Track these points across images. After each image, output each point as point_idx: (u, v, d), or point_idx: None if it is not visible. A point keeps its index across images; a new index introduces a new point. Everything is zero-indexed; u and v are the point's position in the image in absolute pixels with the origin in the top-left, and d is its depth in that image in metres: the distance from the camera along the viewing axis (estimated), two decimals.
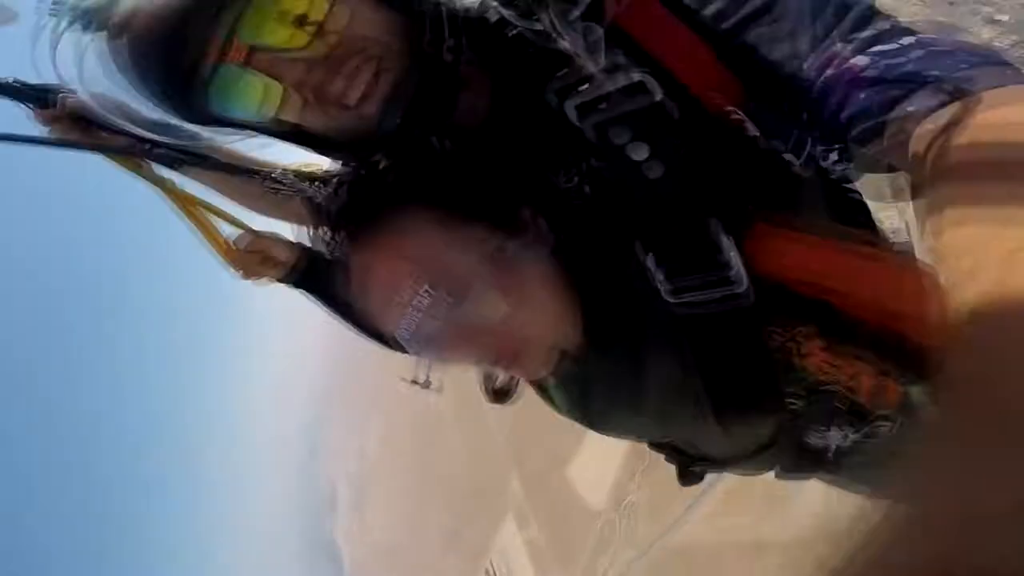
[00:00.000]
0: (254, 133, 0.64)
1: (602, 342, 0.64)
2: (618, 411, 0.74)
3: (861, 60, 0.48)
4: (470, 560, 5.72)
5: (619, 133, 0.55)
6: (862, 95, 0.48)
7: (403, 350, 0.63)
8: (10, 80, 0.79)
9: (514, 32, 0.58)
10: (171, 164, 0.84)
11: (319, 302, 0.90)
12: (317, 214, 0.69)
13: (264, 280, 0.96)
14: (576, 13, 0.54)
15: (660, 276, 0.57)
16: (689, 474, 0.85)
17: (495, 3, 0.58)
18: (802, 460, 0.73)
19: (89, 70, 0.60)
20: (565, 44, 0.53)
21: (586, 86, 0.55)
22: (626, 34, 0.55)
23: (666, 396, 0.67)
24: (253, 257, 0.93)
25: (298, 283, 0.94)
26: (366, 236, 0.60)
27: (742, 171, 0.57)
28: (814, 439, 0.69)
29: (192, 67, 0.53)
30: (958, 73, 0.44)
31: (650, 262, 0.57)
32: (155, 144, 0.79)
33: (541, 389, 0.77)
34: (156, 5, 0.53)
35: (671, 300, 0.58)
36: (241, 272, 0.94)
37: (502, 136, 0.62)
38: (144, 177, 0.88)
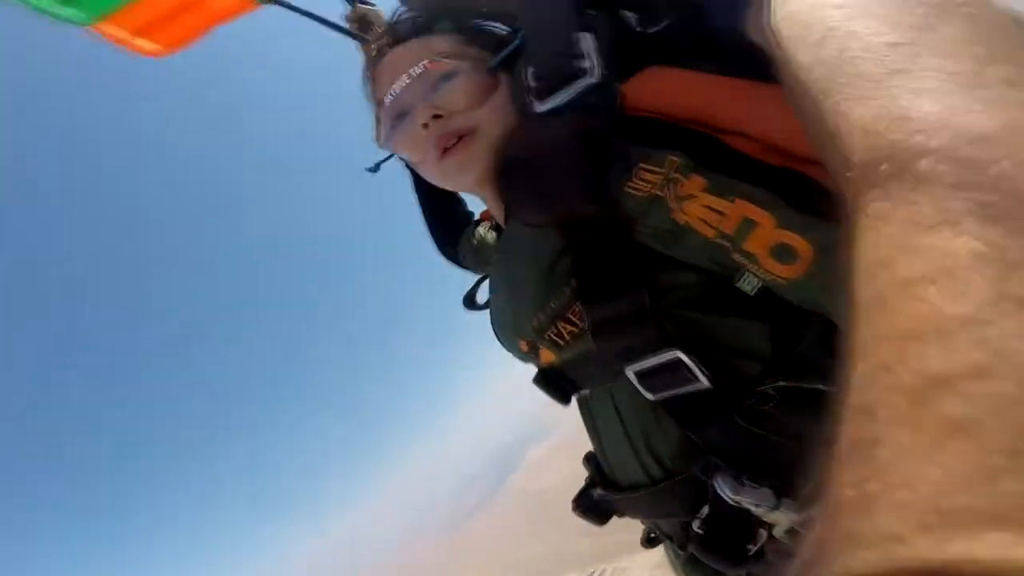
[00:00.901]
0: None
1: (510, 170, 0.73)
2: (496, 273, 0.85)
3: None
4: None
5: None
6: None
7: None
8: None
9: None
10: None
11: None
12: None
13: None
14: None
15: (531, 80, 0.66)
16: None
17: None
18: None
19: None
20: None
21: None
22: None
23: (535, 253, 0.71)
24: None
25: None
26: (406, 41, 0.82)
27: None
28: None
29: None
30: None
31: (528, 73, 0.66)
32: None
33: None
34: None
35: (538, 107, 0.64)
36: (376, 135, 1.09)
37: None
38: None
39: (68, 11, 1.55)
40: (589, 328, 0.65)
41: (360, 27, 1.35)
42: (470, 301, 0.96)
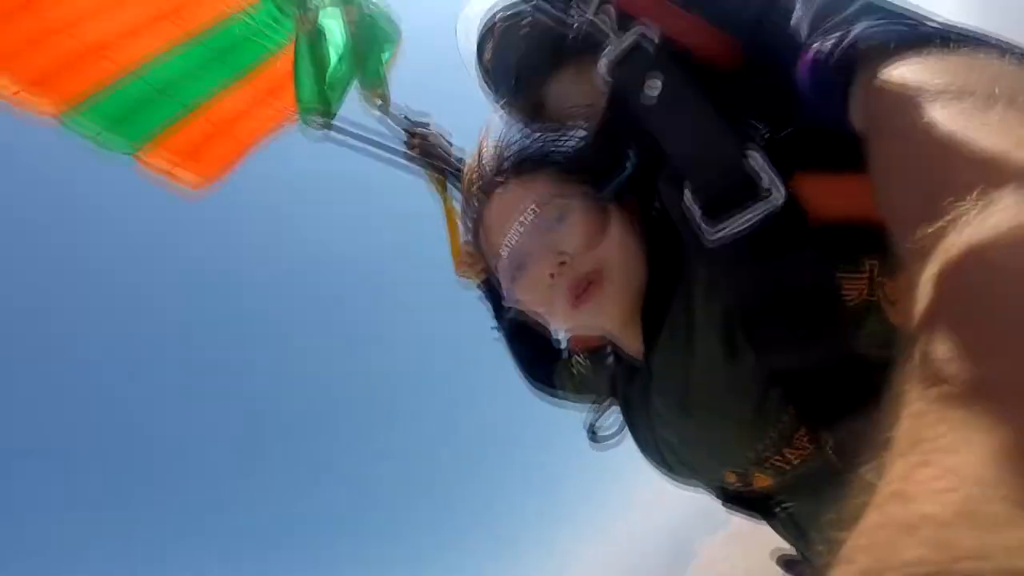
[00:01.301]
0: None
1: (655, 319, 0.73)
2: (671, 412, 0.76)
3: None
4: None
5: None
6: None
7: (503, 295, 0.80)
8: (403, 115, 1.35)
9: None
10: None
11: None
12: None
13: (469, 279, 1.19)
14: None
15: (697, 208, 0.61)
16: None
17: None
18: None
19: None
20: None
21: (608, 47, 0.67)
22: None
23: (712, 379, 0.67)
24: (468, 259, 1.14)
25: (483, 288, 1.16)
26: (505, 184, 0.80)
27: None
28: None
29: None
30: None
31: (688, 198, 0.62)
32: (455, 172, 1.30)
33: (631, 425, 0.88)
34: None
35: (711, 234, 0.60)
36: (458, 267, 1.21)
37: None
38: (438, 191, 1.33)
39: (112, 138, 1.51)
40: (832, 450, 0.61)
41: (422, 152, 1.30)
42: (595, 435, 0.93)
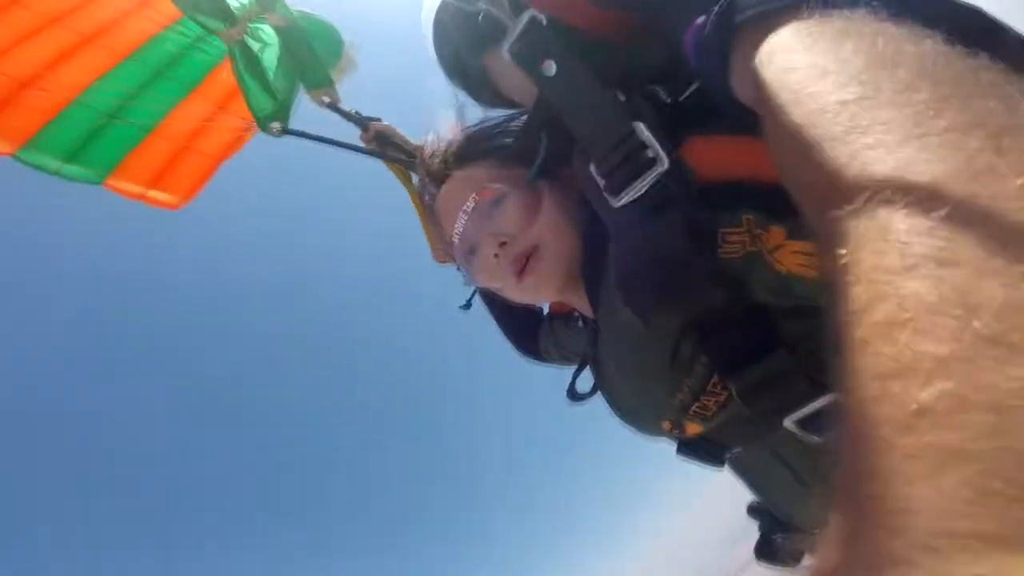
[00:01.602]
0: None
1: (594, 279, 0.78)
2: (613, 365, 0.83)
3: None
4: None
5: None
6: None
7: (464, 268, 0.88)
8: (353, 111, 1.33)
9: None
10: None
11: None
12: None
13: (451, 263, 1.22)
14: None
15: (601, 180, 0.65)
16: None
17: None
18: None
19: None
20: None
21: None
22: None
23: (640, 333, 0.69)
24: (440, 245, 1.17)
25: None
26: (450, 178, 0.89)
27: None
28: None
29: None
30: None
31: (593, 170, 0.66)
32: (413, 159, 1.21)
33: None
34: None
35: (614, 202, 0.64)
36: (437, 255, 1.23)
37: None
38: (404, 183, 1.32)
39: (74, 170, 1.48)
40: (738, 395, 0.65)
41: (379, 144, 1.28)
42: (573, 394, 0.98)
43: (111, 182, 1.56)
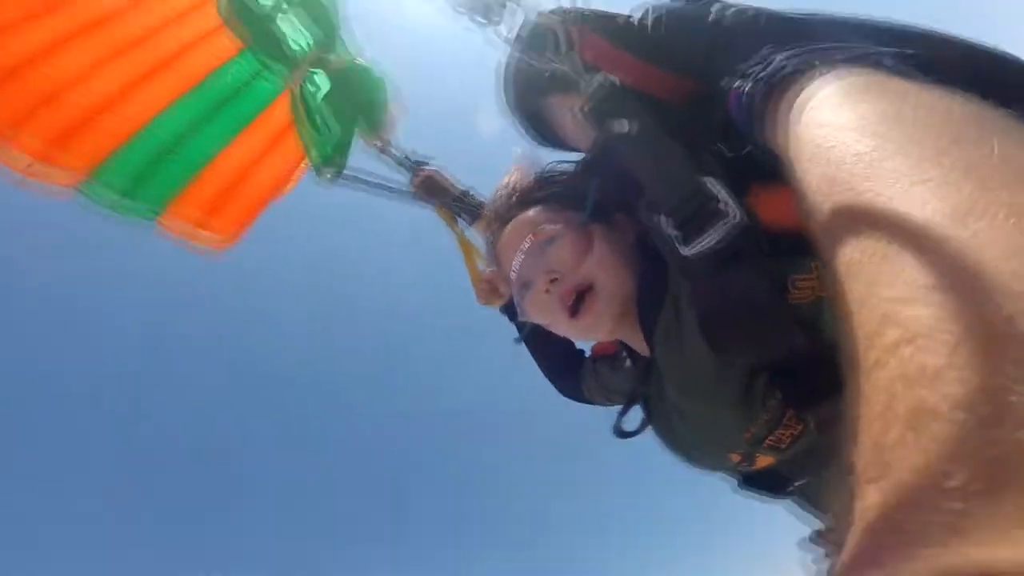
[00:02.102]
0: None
1: (649, 315, 0.82)
2: (676, 402, 0.86)
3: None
4: None
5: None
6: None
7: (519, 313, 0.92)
8: (404, 156, 1.36)
9: None
10: (469, 221, 1.34)
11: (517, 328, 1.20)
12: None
13: (493, 305, 1.26)
14: None
15: (672, 230, 0.68)
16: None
17: None
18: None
19: None
20: None
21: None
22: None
23: (707, 366, 0.74)
24: (487, 287, 1.22)
25: (505, 311, 1.23)
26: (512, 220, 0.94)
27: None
28: None
29: None
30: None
31: (663, 221, 0.69)
32: (462, 204, 1.34)
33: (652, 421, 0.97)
34: None
35: (686, 252, 0.67)
36: (479, 296, 1.26)
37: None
38: (450, 226, 1.36)
39: (132, 204, 1.48)
40: (817, 428, 0.71)
41: (427, 191, 1.28)
42: (620, 431, 1.01)
43: (163, 220, 1.57)
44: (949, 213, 0.26)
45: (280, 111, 1.39)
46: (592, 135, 0.85)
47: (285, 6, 1.26)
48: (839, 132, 0.36)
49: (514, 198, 0.95)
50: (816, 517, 0.91)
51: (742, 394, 0.74)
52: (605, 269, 0.85)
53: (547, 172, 0.98)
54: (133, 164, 1.45)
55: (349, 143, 1.32)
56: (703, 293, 0.70)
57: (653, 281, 0.83)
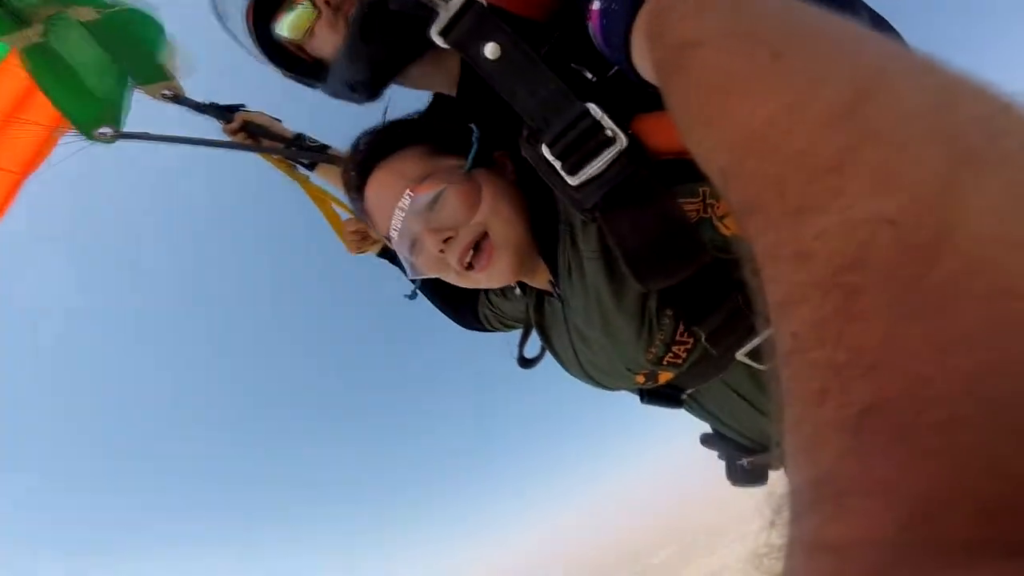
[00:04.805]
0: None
1: (549, 250, 0.82)
2: (583, 330, 0.87)
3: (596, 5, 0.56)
4: None
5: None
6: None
7: (403, 264, 0.86)
8: (205, 102, 1.17)
9: None
10: (308, 166, 1.22)
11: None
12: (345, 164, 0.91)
13: (367, 252, 1.21)
14: None
15: (556, 161, 0.66)
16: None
17: None
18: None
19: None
20: None
21: None
22: None
23: (606, 293, 0.77)
24: (356, 236, 1.18)
25: (384, 254, 1.20)
26: (376, 169, 0.84)
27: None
28: None
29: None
30: None
31: (546, 151, 0.66)
32: (299, 149, 1.18)
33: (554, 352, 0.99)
34: None
35: (573, 181, 0.65)
36: (350, 247, 1.20)
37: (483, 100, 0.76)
38: (289, 175, 1.22)
39: None
40: (707, 339, 0.73)
41: (250, 136, 1.14)
42: (523, 360, 1.03)
43: None
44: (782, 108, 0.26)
45: (12, 79, 1.08)
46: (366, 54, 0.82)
47: None
48: (696, 47, 0.35)
49: (376, 143, 0.86)
50: (711, 421, 0.96)
51: (640, 316, 0.75)
52: (498, 217, 0.80)
53: (408, 114, 0.91)
54: None
55: (122, 96, 1.10)
56: (624, 232, 0.69)
57: (545, 216, 0.82)
